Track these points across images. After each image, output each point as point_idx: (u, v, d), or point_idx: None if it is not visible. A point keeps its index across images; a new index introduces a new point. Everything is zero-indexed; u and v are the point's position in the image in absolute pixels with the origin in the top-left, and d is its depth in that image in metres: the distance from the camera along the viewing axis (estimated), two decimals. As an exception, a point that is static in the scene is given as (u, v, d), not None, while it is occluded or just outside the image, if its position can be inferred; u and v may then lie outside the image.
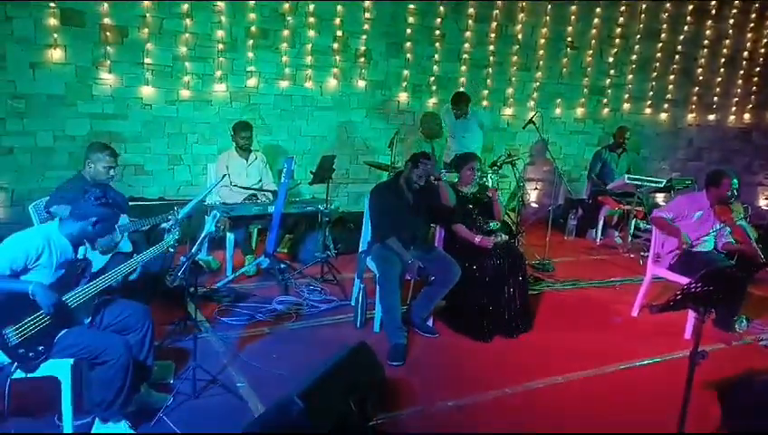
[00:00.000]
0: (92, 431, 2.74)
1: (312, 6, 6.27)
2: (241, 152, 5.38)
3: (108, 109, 5.68)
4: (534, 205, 8.13)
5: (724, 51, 8.67)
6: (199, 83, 5.99)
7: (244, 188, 5.24)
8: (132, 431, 2.75)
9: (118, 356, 2.61)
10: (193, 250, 3.08)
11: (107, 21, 5.48)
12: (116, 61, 5.60)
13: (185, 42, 5.82)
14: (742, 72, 8.88)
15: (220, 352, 3.69)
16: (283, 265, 5.03)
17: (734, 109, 9.05)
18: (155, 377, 3.13)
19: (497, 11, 7.26)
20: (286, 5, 6.16)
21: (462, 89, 7.24)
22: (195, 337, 3.20)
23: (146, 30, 5.65)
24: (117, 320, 2.87)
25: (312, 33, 6.35)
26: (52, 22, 5.29)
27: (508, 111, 7.71)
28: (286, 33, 6.23)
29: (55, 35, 5.32)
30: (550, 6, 7.52)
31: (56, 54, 5.37)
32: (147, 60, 5.71)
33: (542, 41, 7.61)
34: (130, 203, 4.86)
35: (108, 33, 5.51)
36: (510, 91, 7.64)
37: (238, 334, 3.96)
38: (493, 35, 7.31)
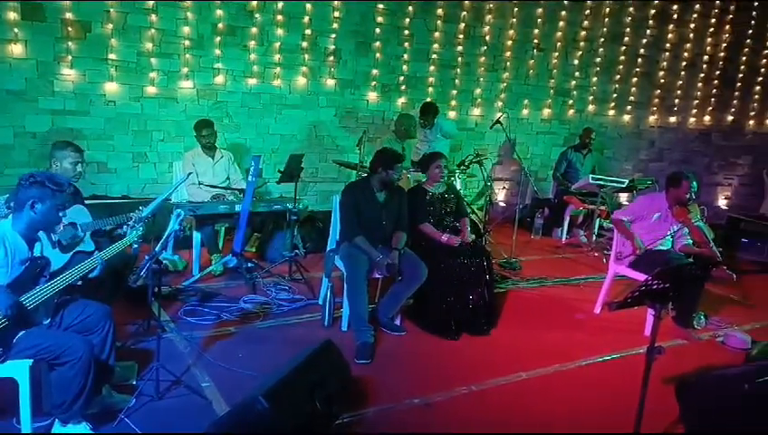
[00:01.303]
0: (52, 432, 2.69)
1: (280, 4, 6.24)
2: (206, 151, 5.31)
3: (70, 105, 5.56)
4: (502, 204, 8.22)
5: (686, 54, 8.89)
6: (165, 80, 5.90)
7: (211, 186, 5.18)
8: (93, 433, 2.71)
9: (79, 356, 2.56)
10: (156, 249, 3.04)
11: (69, 15, 5.36)
12: (78, 56, 5.49)
13: (150, 38, 5.73)
14: (702, 75, 9.12)
15: (185, 353, 3.65)
16: (250, 264, 5.00)
17: (694, 111, 9.28)
18: (117, 378, 3.09)
19: (465, 12, 7.32)
20: (254, 3, 6.12)
21: (430, 89, 7.31)
22: (158, 337, 3.17)
23: (110, 25, 5.54)
24: (77, 320, 2.82)
25: (280, 31, 6.31)
26: (12, 16, 5.16)
27: (476, 112, 7.79)
28: (254, 30, 6.18)
29: (15, 30, 5.19)
30: (516, 8, 7.61)
31: (16, 49, 5.23)
32: (111, 56, 5.61)
33: (509, 42, 7.70)
34: (93, 201, 4.78)
35: (70, 29, 5.40)
36: (478, 91, 7.71)
37: (204, 334, 3.92)
38: (461, 36, 7.37)
